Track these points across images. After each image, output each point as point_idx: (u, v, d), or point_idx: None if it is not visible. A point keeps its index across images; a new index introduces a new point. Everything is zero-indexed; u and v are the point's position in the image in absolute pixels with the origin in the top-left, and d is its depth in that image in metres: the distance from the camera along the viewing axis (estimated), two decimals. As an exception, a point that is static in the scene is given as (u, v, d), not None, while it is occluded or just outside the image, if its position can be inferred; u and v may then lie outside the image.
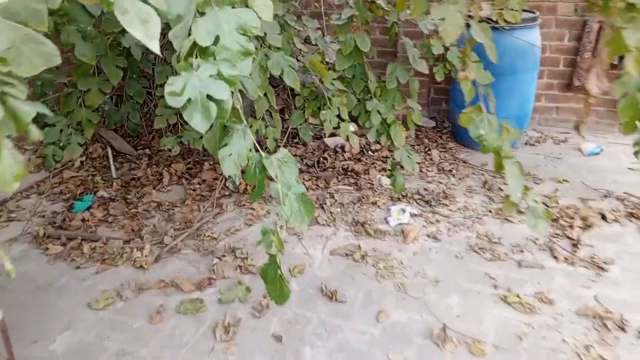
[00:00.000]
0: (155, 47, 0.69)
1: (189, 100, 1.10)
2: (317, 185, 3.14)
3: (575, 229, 2.68)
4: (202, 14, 1.15)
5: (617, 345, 1.96)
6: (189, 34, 1.13)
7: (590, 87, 1.58)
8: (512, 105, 3.39)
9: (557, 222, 2.73)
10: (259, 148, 1.43)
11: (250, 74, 1.71)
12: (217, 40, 1.14)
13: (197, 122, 1.11)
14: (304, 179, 3.18)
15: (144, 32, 0.67)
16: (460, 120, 1.80)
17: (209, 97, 1.11)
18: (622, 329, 2.04)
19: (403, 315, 2.14)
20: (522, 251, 2.54)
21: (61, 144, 2.25)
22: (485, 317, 2.12)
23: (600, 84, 1.55)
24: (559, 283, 2.32)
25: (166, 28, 1.21)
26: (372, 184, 3.15)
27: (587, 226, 2.69)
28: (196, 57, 1.14)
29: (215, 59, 1.14)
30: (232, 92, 1.19)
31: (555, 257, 2.48)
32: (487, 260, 2.48)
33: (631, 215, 2.78)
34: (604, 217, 2.78)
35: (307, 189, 3.07)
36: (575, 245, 2.56)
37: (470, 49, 1.79)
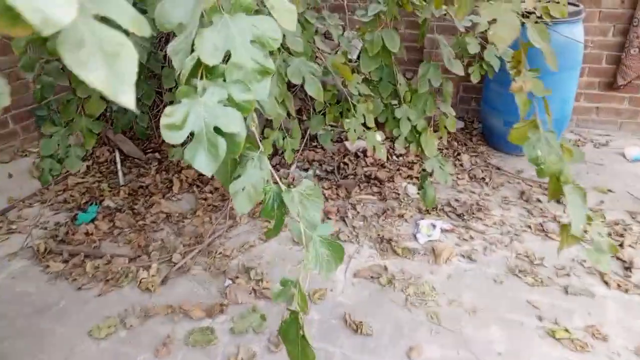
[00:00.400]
0: (128, 99, 0.45)
1: (192, 134, 0.88)
2: (337, 194, 2.89)
3: (626, 249, 2.41)
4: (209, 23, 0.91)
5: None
6: (192, 49, 0.90)
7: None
8: (550, 108, 3.09)
9: (612, 245, 2.45)
10: (277, 180, 1.19)
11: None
12: (227, 56, 0.91)
13: (202, 162, 0.88)
14: (323, 187, 2.94)
15: (111, 75, 0.43)
16: (511, 137, 1.54)
17: (217, 130, 0.88)
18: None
19: (437, 351, 1.90)
20: (568, 275, 2.28)
21: (59, 157, 2.04)
22: (531, 356, 1.88)
23: None
24: (612, 314, 2.06)
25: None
26: (398, 194, 2.90)
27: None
28: (201, 78, 0.91)
29: (225, 80, 0.91)
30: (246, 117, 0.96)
31: (605, 283, 2.22)
32: (529, 285, 2.22)
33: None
34: (657, 235, 2.51)
35: (326, 198, 2.84)
36: (628, 269, 2.29)
37: (525, 53, 1.53)
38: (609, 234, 2.51)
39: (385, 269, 2.32)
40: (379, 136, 2.39)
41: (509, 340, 1.94)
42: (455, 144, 3.46)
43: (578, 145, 3.45)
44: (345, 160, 3.23)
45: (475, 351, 1.90)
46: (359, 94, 2.26)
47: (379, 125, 2.40)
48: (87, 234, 2.55)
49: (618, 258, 2.36)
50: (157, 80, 2.89)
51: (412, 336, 1.96)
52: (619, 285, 2.20)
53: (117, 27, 0.47)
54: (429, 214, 2.72)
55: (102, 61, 0.44)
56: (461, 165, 3.20)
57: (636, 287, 2.19)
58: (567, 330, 1.98)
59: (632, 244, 2.45)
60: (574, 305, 2.11)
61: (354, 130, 2.21)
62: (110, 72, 0.44)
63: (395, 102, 2.32)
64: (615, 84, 3.43)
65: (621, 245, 2.44)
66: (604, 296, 2.15)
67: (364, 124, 2.28)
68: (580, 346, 1.91)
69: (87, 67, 0.43)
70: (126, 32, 0.49)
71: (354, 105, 2.23)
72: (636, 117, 3.53)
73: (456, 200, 2.84)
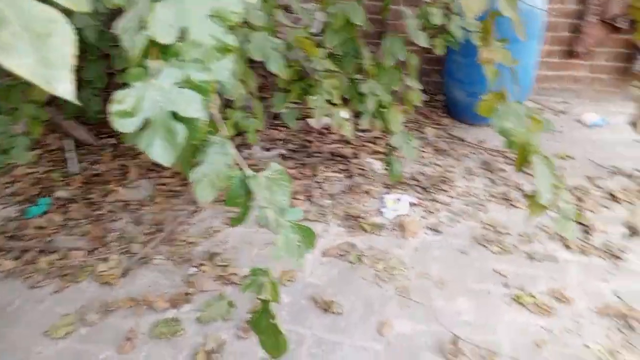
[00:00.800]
0: (65, 88, 0.38)
1: (146, 122, 0.79)
2: (303, 173, 2.84)
3: (586, 213, 2.49)
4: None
5: (647, 350, 1.79)
6: (144, 27, 0.81)
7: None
8: (517, 81, 3.10)
9: (572, 209, 2.51)
10: (242, 164, 1.12)
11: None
12: (183, 34, 0.82)
13: (159, 152, 0.80)
14: (288, 166, 2.87)
15: (41, 60, 0.36)
16: (479, 109, 1.53)
17: (174, 115, 0.80)
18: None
19: (408, 325, 1.91)
20: (531, 241, 2.33)
21: (4, 148, 1.88)
22: (499, 323, 1.91)
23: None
24: (574, 277, 2.13)
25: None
26: (364, 170, 2.87)
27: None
28: (155, 58, 0.82)
29: (181, 60, 0.82)
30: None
31: (567, 247, 2.29)
32: (494, 254, 2.26)
33: (644, 196, 2.61)
34: (614, 198, 2.60)
35: (292, 178, 2.77)
36: (588, 232, 2.37)
37: (493, 23, 1.49)
38: (572, 198, 2.58)
39: (354, 246, 2.30)
40: (345, 113, 2.33)
41: (477, 310, 1.97)
42: (419, 117, 3.45)
43: (538, 114, 3.51)
44: (310, 138, 3.17)
45: (444, 322, 1.91)
46: (324, 70, 2.19)
47: (344, 101, 2.34)
48: (39, 227, 2.40)
49: (579, 222, 2.42)
50: (108, 60, 2.72)
51: (382, 312, 1.96)
52: (580, 249, 2.26)
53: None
54: (395, 188, 2.71)
55: (30, 43, 0.36)
56: (425, 138, 3.20)
57: (596, 249, 2.26)
58: (532, 296, 2.03)
59: (591, 208, 2.53)
60: (539, 271, 2.16)
61: (319, 108, 2.15)
62: (39, 57, 0.36)
63: (360, 77, 2.26)
64: (575, 52, 3.49)
65: (581, 210, 2.51)
66: (567, 260, 2.21)
67: (329, 101, 2.22)
68: (546, 310, 1.96)
69: (11, 51, 0.35)
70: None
71: (319, 82, 2.15)
72: (594, 85, 3.62)
73: (421, 173, 2.84)
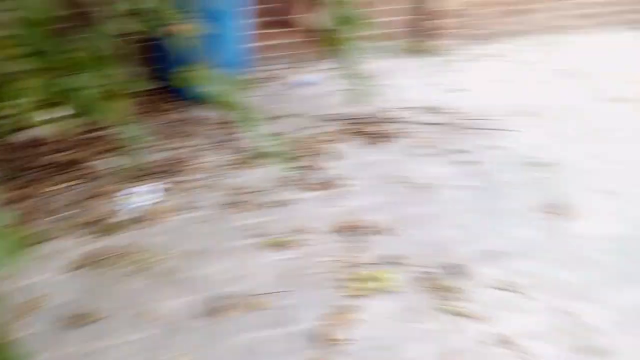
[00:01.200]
0: None
1: None
2: (26, 194, 2.53)
3: (312, 157, 2.91)
4: None
5: (368, 247, 2.25)
6: None
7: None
8: (227, 53, 3.32)
9: (297, 156, 2.89)
10: None
11: None
12: None
13: None
14: (8, 190, 2.51)
15: None
16: (184, 81, 1.65)
17: None
18: (370, 233, 2.34)
19: (175, 303, 1.95)
20: (269, 193, 2.61)
21: None
22: (256, 270, 2.13)
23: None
24: (308, 211, 2.49)
25: None
26: (98, 170, 2.74)
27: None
28: None
29: None
30: None
31: (301, 188, 2.65)
32: (240, 212, 2.48)
33: (352, 132, 3.23)
34: (330, 140, 3.10)
35: (15, 202, 2.45)
36: (315, 173, 2.78)
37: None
38: (298, 149, 2.96)
39: (103, 250, 2.21)
40: (53, 114, 2.16)
41: (235, 265, 2.14)
42: (145, 106, 3.42)
43: (259, 82, 3.84)
44: (31, 152, 2.82)
45: (210, 287, 2.02)
46: (25, 71, 1.95)
47: (56, 102, 2.15)
48: None
49: (308, 167, 2.82)
50: None
51: (147, 301, 1.95)
52: (310, 187, 2.67)
53: None
54: (138, 180, 2.67)
55: None
56: (155, 125, 3.22)
57: (321, 184, 2.70)
58: (276, 238, 2.30)
59: (313, 151, 2.97)
60: (278, 215, 2.46)
61: (25, 114, 1.94)
62: None
63: (71, 72, 2.10)
64: (286, 21, 3.92)
65: (309, 155, 2.93)
66: (299, 199, 2.58)
67: (37, 105, 2.00)
68: (290, 245, 2.26)
69: None
70: None
71: (18, 84, 1.92)
72: (306, 48, 4.11)
73: (161, 159, 2.87)
